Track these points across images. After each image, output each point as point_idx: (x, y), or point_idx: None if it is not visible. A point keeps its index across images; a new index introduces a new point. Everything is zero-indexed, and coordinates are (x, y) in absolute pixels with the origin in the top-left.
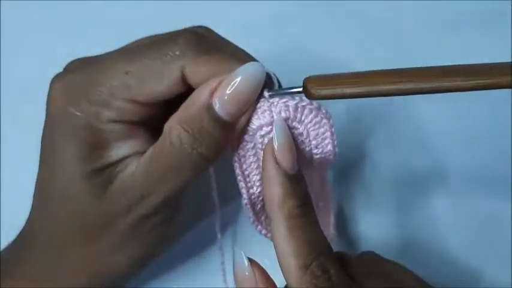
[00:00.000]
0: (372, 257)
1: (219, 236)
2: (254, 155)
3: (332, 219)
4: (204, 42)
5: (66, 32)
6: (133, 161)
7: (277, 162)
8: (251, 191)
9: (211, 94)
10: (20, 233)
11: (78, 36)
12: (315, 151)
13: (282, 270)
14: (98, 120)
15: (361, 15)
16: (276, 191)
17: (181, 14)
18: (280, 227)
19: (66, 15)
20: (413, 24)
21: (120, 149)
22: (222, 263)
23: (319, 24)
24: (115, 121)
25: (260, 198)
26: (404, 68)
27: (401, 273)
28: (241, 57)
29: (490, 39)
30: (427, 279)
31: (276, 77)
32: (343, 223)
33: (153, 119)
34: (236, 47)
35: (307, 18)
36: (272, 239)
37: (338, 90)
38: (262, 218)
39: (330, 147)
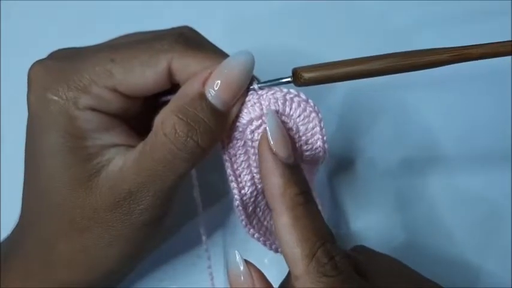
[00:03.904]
0: (365, 251)
1: (204, 238)
2: (245, 153)
3: None
4: (191, 39)
5: (66, 32)
6: (118, 155)
7: (273, 153)
8: (243, 191)
9: (204, 83)
10: (13, 228)
11: (78, 36)
12: (305, 147)
13: (286, 260)
14: (75, 106)
15: (359, 15)
16: (275, 181)
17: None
18: (283, 217)
19: (66, 15)
20: (412, 24)
21: (98, 141)
22: (209, 267)
23: (315, 25)
24: (93, 109)
25: (252, 200)
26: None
27: (398, 265)
28: (226, 55)
29: (490, 39)
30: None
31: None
32: (339, 221)
33: (132, 117)
34: (219, 48)
35: (304, 18)
36: (275, 229)
37: (324, 72)
38: (254, 221)
39: (319, 143)
